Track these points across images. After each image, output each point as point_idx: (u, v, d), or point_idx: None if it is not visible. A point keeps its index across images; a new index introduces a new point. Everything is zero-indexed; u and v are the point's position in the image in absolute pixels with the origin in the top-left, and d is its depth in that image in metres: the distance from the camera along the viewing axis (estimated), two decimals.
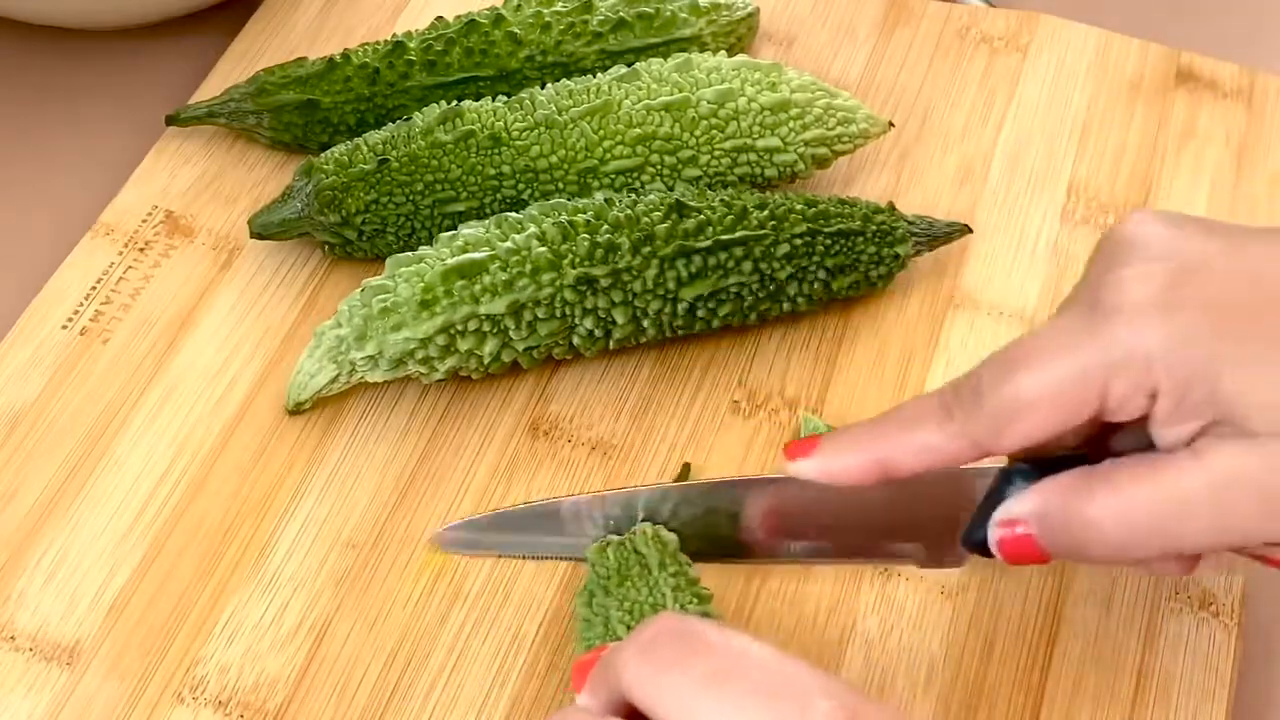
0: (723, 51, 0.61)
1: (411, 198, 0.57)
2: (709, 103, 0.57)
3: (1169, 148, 0.63)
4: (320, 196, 0.57)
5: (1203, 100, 0.65)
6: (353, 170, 0.57)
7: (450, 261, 0.53)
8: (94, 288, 0.58)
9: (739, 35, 0.64)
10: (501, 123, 0.57)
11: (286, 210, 0.57)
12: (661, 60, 0.59)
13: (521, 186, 0.57)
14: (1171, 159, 0.63)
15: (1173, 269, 0.40)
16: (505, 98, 0.58)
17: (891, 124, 0.61)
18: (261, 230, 0.58)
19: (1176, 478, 0.40)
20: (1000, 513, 0.43)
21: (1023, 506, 0.42)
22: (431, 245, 0.55)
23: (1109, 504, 0.40)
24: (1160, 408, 0.40)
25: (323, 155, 0.58)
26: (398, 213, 0.57)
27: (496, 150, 0.57)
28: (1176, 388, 0.40)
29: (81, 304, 0.57)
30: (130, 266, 0.58)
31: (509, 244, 0.53)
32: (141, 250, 0.59)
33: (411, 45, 0.60)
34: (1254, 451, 0.39)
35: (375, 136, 0.58)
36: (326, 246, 0.58)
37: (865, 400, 0.56)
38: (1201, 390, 0.39)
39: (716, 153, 0.57)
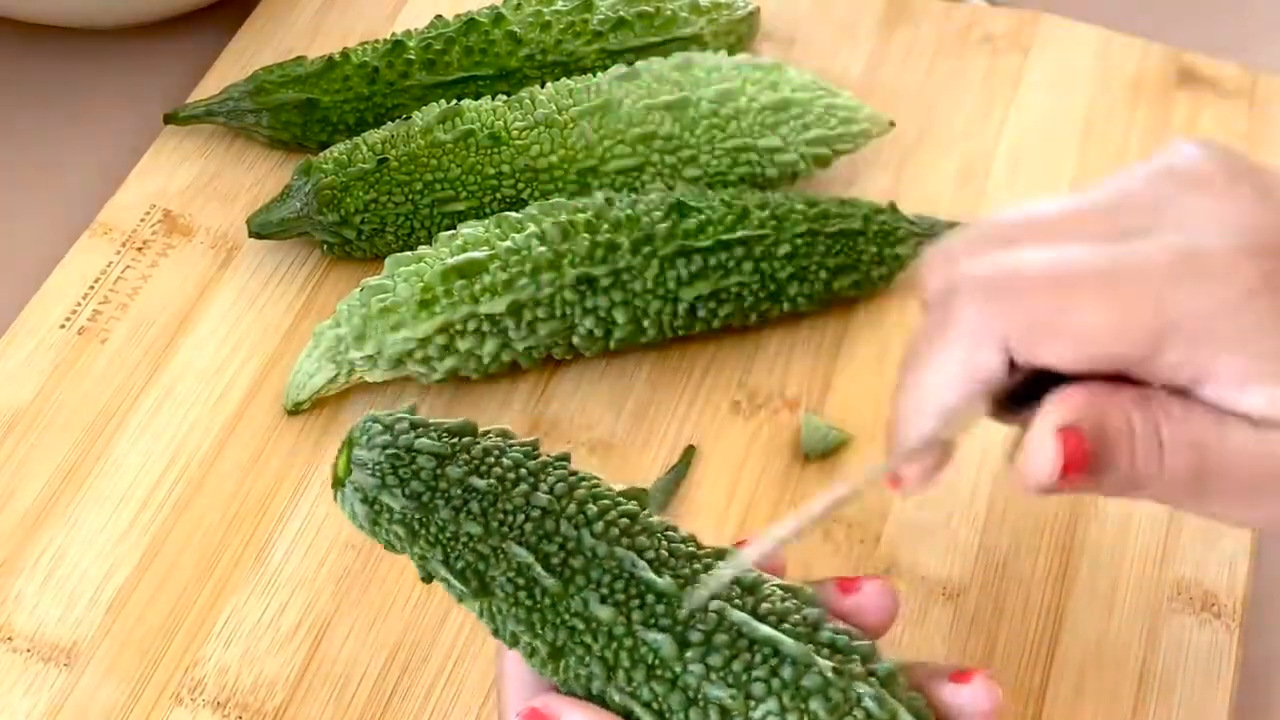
0: (723, 51, 0.60)
1: (411, 197, 0.56)
2: (709, 102, 0.57)
3: None
4: (319, 196, 0.56)
5: (1204, 101, 0.65)
6: (352, 169, 0.56)
7: (450, 261, 0.53)
8: (92, 287, 0.58)
9: (739, 34, 0.64)
10: (501, 122, 0.57)
11: (285, 209, 0.57)
12: (662, 59, 0.59)
13: (521, 186, 0.57)
14: None
15: (1270, 255, 0.38)
16: (505, 97, 0.58)
17: (893, 123, 0.61)
18: (260, 229, 0.57)
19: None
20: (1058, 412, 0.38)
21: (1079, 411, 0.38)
22: (431, 245, 0.55)
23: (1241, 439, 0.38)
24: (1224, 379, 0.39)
25: (322, 154, 0.58)
26: (397, 212, 0.57)
27: (496, 149, 0.57)
28: (1240, 368, 0.38)
29: (79, 303, 0.57)
30: (128, 266, 0.58)
31: (509, 243, 0.53)
32: (140, 249, 0.59)
33: (411, 44, 0.60)
34: None
35: (374, 135, 0.57)
36: (325, 246, 0.58)
37: (866, 401, 0.56)
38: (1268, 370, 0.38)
39: (717, 152, 0.57)
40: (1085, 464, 0.38)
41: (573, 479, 0.40)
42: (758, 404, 0.56)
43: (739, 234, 0.54)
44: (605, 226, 0.53)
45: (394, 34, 0.61)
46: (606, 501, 0.39)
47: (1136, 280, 0.38)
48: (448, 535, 0.38)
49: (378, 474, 0.38)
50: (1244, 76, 0.65)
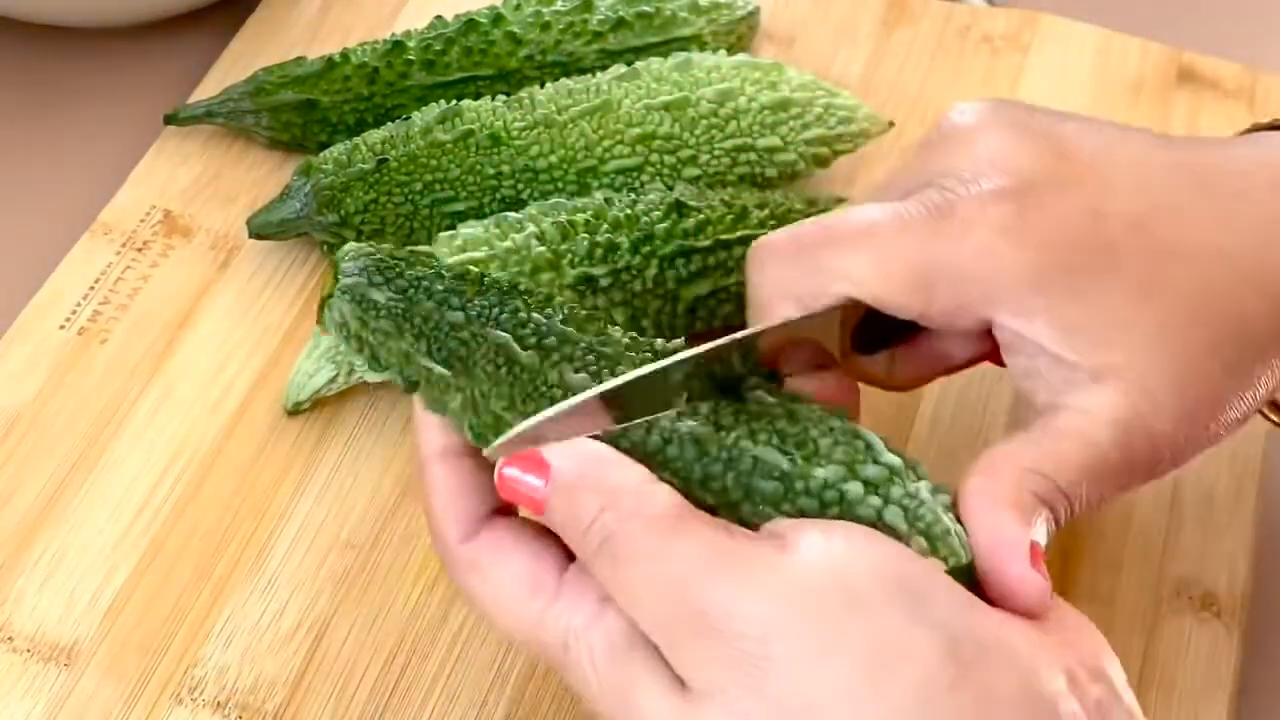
0: (723, 50, 0.60)
1: (410, 197, 0.56)
2: (709, 102, 0.57)
3: None
4: (319, 196, 0.56)
5: (1205, 100, 0.65)
6: (351, 170, 0.56)
7: (449, 261, 0.53)
8: (92, 287, 0.58)
9: (739, 34, 0.64)
10: (501, 122, 0.57)
11: (285, 210, 0.57)
12: (661, 59, 0.59)
13: (521, 186, 0.57)
14: None
15: (1020, 194, 0.42)
16: (505, 97, 0.58)
17: (892, 123, 0.60)
18: (260, 230, 0.58)
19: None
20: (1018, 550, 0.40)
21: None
22: (430, 245, 0.55)
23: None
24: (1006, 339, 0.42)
25: (321, 155, 0.58)
26: (396, 212, 0.57)
27: (496, 150, 0.57)
28: (1013, 328, 0.42)
29: (79, 304, 0.57)
30: (128, 266, 0.58)
31: (508, 244, 0.53)
32: (140, 250, 0.59)
33: (410, 44, 0.60)
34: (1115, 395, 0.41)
35: (374, 136, 0.57)
36: (325, 246, 0.58)
37: (865, 399, 0.56)
38: (1041, 326, 0.41)
39: (716, 152, 0.57)
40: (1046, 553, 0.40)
41: (542, 294, 0.44)
42: None
43: (738, 234, 0.54)
44: (605, 226, 0.53)
45: (394, 34, 0.61)
46: (574, 301, 0.44)
47: (894, 235, 0.43)
48: (430, 325, 0.42)
49: (365, 274, 0.42)
50: (1244, 76, 0.65)
